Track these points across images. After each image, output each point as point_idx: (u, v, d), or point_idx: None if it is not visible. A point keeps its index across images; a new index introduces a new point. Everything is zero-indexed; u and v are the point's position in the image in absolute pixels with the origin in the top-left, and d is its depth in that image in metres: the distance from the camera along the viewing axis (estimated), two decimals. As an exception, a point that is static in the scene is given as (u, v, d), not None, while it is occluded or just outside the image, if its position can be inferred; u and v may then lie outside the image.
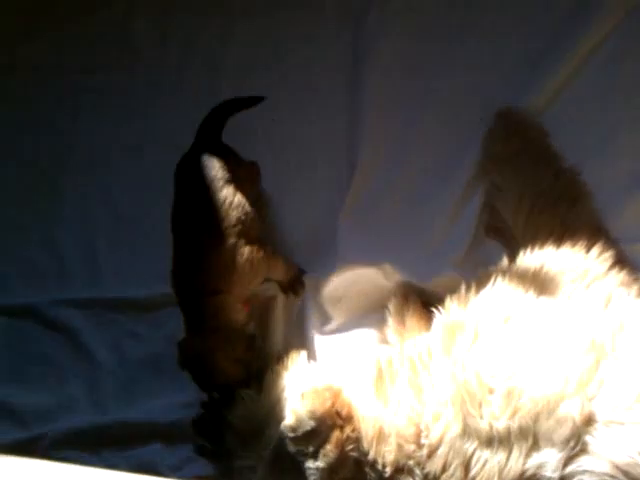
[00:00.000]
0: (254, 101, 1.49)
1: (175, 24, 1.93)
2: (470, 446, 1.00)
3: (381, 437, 1.07)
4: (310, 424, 1.09)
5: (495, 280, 1.16)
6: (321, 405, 1.11)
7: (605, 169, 1.39)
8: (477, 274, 1.23)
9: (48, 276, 1.73)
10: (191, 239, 1.32)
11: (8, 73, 2.05)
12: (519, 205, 1.28)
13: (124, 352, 1.60)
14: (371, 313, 1.42)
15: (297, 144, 1.66)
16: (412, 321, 1.32)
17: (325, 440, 1.07)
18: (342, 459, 1.07)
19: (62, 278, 1.72)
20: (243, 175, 1.42)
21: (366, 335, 1.41)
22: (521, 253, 1.22)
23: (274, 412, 1.13)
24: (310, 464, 1.06)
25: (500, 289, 1.15)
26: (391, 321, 1.36)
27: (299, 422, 1.09)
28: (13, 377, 1.63)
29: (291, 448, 1.08)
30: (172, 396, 1.47)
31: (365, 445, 1.08)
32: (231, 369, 1.27)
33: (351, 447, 1.08)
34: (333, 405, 1.12)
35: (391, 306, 1.37)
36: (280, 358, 1.33)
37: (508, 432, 0.97)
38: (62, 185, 1.84)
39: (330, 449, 1.06)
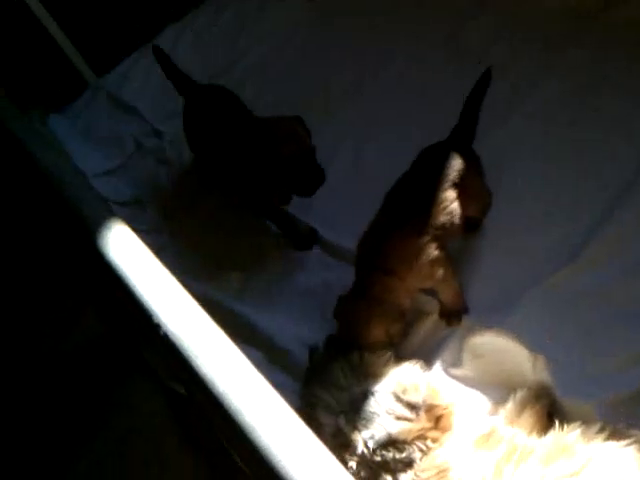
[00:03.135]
0: (486, 78, 1.50)
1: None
2: None
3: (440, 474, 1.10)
4: (417, 399, 1.16)
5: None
6: (435, 400, 1.18)
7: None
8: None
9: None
10: (394, 217, 1.41)
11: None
12: None
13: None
14: (498, 387, 1.37)
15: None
16: (528, 420, 1.25)
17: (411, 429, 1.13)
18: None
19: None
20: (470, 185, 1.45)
21: (480, 402, 1.37)
22: None
23: (378, 377, 1.23)
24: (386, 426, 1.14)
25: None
26: (510, 406, 1.30)
27: (413, 390, 1.17)
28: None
29: (382, 406, 1.15)
30: (300, 329, 1.62)
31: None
32: (379, 336, 1.35)
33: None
34: (442, 410, 1.17)
35: (519, 394, 1.31)
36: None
37: None
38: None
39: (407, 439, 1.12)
